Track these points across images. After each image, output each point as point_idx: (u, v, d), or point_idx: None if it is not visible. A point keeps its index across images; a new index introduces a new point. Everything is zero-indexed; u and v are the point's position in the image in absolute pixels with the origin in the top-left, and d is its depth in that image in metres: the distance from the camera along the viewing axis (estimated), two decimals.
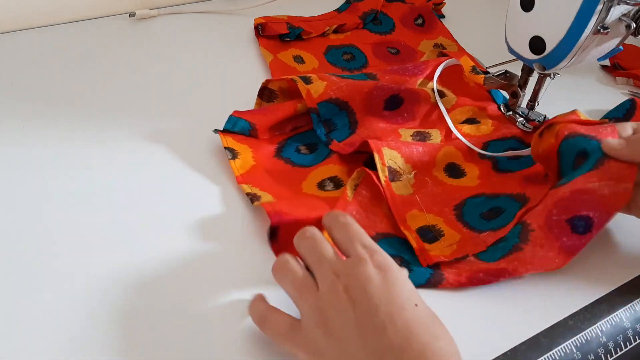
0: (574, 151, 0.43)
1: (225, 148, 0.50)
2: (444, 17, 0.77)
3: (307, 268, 0.35)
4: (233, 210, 0.46)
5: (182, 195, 0.47)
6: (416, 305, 0.32)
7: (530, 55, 0.50)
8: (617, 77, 0.67)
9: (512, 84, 0.56)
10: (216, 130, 0.51)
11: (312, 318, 0.33)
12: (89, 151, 0.50)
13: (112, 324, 0.37)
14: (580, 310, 0.40)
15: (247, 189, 0.46)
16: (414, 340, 0.30)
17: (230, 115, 0.51)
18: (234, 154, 0.49)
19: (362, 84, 0.53)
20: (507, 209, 0.46)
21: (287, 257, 0.36)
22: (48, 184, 0.47)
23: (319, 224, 0.38)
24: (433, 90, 0.56)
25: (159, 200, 0.46)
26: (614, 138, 0.42)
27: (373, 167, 0.47)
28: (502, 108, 0.58)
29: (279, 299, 0.36)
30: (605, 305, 0.41)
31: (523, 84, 0.55)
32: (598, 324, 0.39)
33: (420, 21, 0.73)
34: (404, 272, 0.34)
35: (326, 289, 0.33)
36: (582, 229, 0.40)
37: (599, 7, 0.43)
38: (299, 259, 0.36)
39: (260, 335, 0.36)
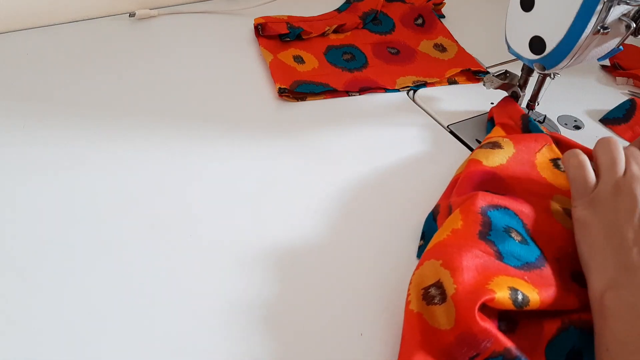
0: None
1: None
2: (444, 17, 0.77)
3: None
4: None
5: (183, 193, 0.47)
6: None
7: (530, 55, 0.50)
8: (617, 77, 0.67)
9: (512, 84, 0.56)
10: None
11: (608, 191, 0.40)
12: (88, 151, 0.50)
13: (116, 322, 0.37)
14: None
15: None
16: None
17: None
18: None
19: None
20: None
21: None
22: (48, 183, 0.47)
23: None
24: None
25: (161, 199, 0.46)
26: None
27: None
28: None
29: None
30: None
31: (523, 84, 0.55)
32: None
33: (420, 21, 0.73)
34: None
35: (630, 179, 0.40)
36: None
37: (599, 7, 0.43)
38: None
39: None
